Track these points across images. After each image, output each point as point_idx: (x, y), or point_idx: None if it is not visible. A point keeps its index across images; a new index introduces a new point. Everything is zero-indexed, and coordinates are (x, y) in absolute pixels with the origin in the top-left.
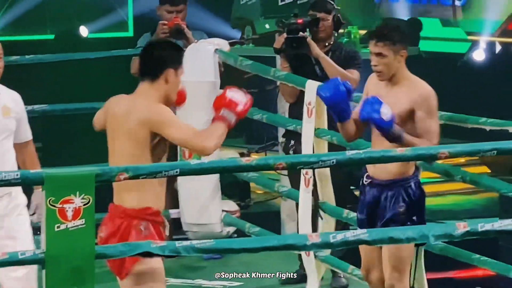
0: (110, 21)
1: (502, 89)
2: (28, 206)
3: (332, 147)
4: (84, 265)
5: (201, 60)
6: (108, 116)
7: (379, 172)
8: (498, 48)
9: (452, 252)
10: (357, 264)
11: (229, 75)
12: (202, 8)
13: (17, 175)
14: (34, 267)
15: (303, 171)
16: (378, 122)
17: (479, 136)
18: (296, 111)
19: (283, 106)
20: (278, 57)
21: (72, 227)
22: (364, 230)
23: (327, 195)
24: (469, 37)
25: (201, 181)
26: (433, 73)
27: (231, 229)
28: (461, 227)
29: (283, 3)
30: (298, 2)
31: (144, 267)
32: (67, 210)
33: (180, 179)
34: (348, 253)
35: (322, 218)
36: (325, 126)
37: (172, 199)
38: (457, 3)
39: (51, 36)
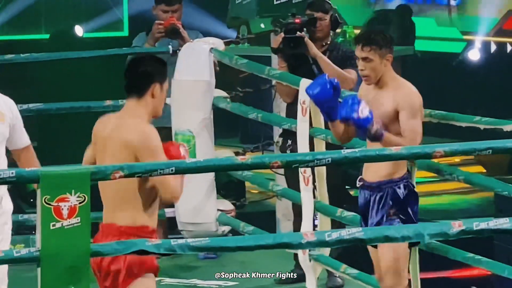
0: (105, 20)
1: (497, 89)
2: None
3: (329, 146)
4: (79, 263)
5: (196, 59)
6: (96, 140)
7: (369, 175)
8: (493, 47)
9: (447, 251)
10: (353, 264)
11: (224, 75)
12: (197, 8)
13: (12, 173)
14: None
15: (301, 170)
16: (355, 121)
17: (474, 136)
18: (293, 110)
19: (279, 106)
20: (273, 56)
21: (67, 225)
22: (360, 229)
23: (322, 194)
24: (464, 37)
25: (197, 180)
26: (428, 72)
27: (227, 228)
28: (456, 226)
29: (278, 2)
30: (294, 1)
31: None
32: (62, 209)
33: None
34: (344, 252)
35: (317, 218)
36: (322, 125)
37: None
38: (452, 2)
39: (46, 36)
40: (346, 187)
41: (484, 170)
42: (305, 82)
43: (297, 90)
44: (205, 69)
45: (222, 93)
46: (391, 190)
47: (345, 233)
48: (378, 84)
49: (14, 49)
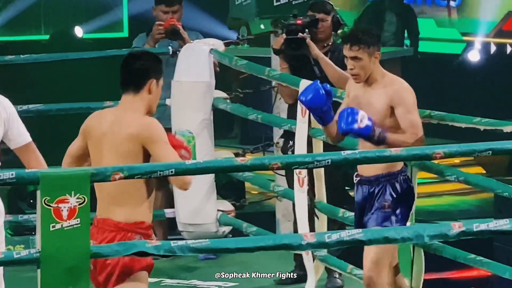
0: (105, 21)
1: (497, 90)
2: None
3: (328, 147)
4: (79, 264)
5: (196, 60)
6: (91, 136)
7: (366, 169)
8: (493, 48)
9: (447, 252)
10: (354, 263)
11: (224, 76)
12: (198, 9)
13: (12, 174)
14: None
15: (296, 171)
16: (357, 132)
17: (473, 137)
18: (295, 111)
19: (279, 107)
20: (273, 57)
21: (67, 226)
22: (359, 230)
23: (320, 194)
24: (464, 38)
25: (197, 181)
26: (428, 73)
27: (227, 229)
28: (456, 227)
29: (278, 3)
30: (293, 2)
31: None
32: (62, 210)
33: None
34: (345, 253)
35: (318, 218)
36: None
37: (167, 199)
38: (452, 3)
39: (46, 37)
40: (346, 188)
41: (484, 171)
42: (305, 83)
43: (298, 91)
44: (205, 70)
45: (222, 94)
46: (389, 183)
47: (345, 234)
48: (367, 82)
49: (14, 49)
